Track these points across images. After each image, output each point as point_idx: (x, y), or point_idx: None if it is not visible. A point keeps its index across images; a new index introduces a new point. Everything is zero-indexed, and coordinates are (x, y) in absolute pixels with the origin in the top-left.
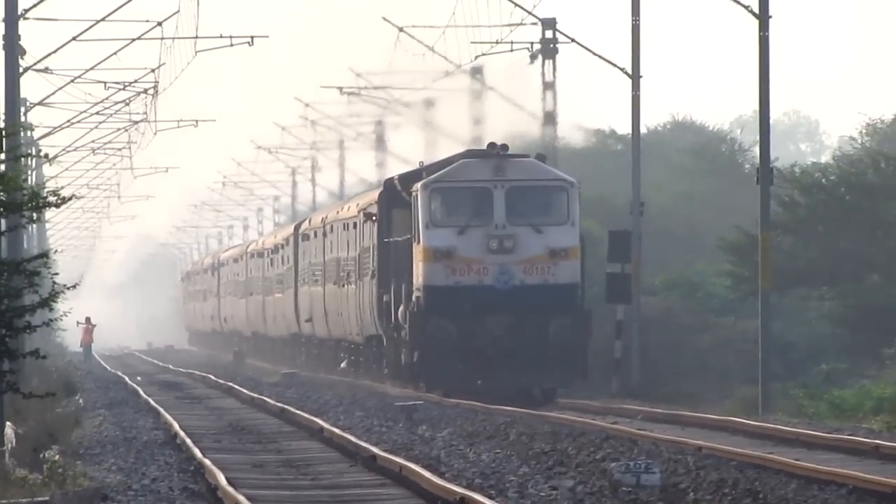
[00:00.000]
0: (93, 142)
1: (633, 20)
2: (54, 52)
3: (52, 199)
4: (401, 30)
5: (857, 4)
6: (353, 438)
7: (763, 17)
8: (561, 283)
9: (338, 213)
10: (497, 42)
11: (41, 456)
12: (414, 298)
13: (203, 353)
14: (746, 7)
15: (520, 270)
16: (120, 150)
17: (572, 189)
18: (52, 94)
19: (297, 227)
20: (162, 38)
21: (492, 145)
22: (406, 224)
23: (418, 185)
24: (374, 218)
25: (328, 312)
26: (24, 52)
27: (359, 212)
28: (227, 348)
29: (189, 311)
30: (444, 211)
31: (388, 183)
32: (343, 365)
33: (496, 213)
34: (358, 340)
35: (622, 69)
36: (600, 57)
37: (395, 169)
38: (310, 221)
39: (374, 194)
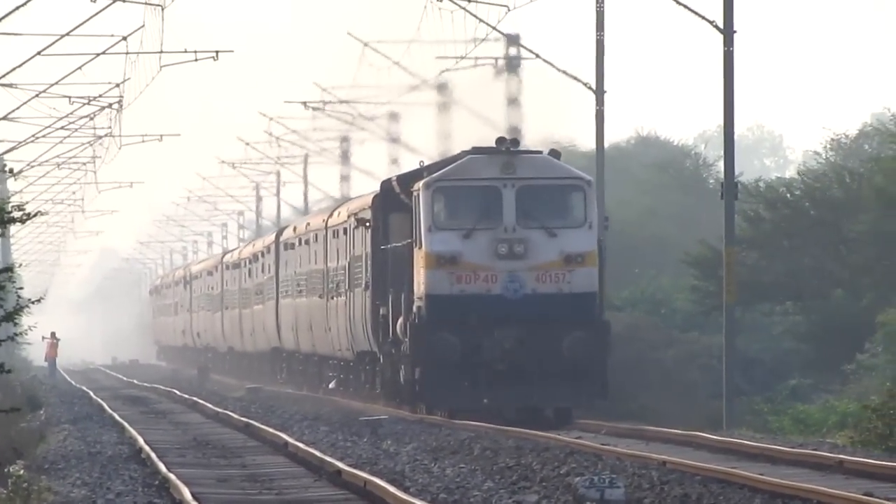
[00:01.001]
0: (57, 156)
1: (597, 35)
2: (19, 66)
3: (17, 214)
4: (365, 45)
5: (820, 20)
6: (317, 453)
7: (727, 33)
8: (577, 292)
9: (325, 220)
10: (462, 57)
11: (6, 471)
12: (415, 309)
13: (168, 367)
14: (711, 22)
15: (532, 278)
16: (84, 164)
17: (589, 188)
18: (17, 108)
19: (278, 236)
20: (127, 53)
21: (500, 140)
22: (405, 229)
23: (419, 184)
24: (367, 223)
25: (314, 326)
26: None
27: (349, 217)
28: (197, 364)
29: (159, 325)
30: (448, 212)
31: (385, 185)
32: (331, 385)
33: (505, 214)
34: (348, 357)
35: (586, 84)
36: (564, 72)
37: (360, 184)
38: (294, 229)
39: (368, 198)
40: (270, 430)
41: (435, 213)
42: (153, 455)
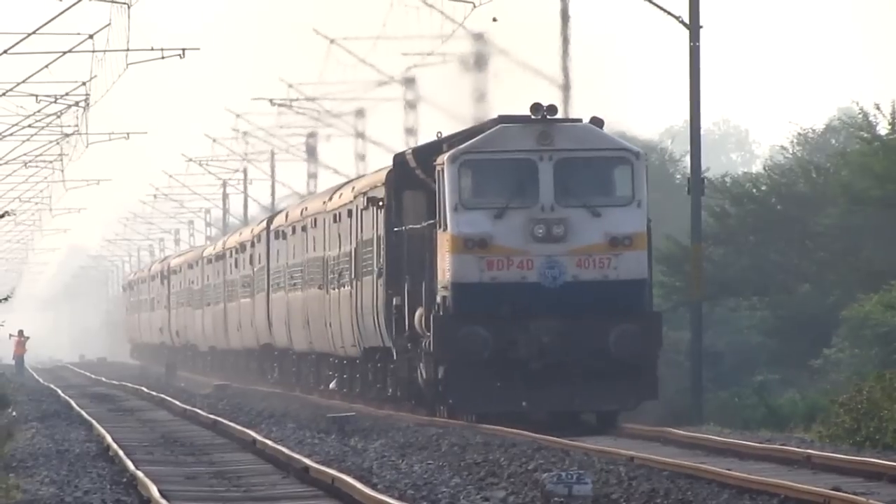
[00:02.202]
0: (24, 155)
1: (562, 31)
2: None
3: None
4: (332, 41)
5: (785, 14)
6: (285, 450)
7: (694, 28)
8: (624, 279)
9: (325, 202)
10: (429, 54)
11: None
12: (438, 299)
13: (136, 365)
14: (677, 17)
15: (572, 263)
16: (51, 162)
17: (638, 161)
18: None
19: (269, 222)
20: (93, 51)
21: (536, 107)
22: (421, 208)
23: (444, 157)
24: (380, 203)
25: (311, 321)
26: None
27: (356, 197)
28: (179, 363)
29: (132, 322)
30: (476, 189)
31: (399, 159)
32: (332, 385)
33: (542, 191)
34: (353, 354)
35: (553, 80)
36: (531, 68)
37: (327, 180)
38: (286, 216)
39: (380, 175)
40: (238, 427)
41: (462, 189)
42: (121, 453)
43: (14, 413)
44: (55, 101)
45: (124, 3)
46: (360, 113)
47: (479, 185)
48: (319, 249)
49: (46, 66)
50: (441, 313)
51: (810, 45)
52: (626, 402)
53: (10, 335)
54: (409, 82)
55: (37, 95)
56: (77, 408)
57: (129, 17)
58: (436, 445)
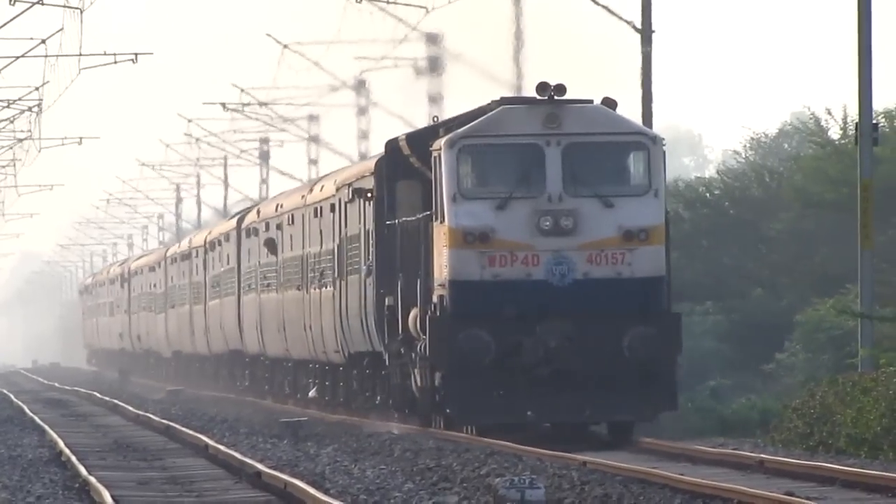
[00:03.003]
0: None
1: (516, 36)
2: None
3: None
4: (285, 46)
5: (738, 19)
6: (238, 455)
7: (646, 33)
8: (640, 277)
9: (303, 197)
10: (382, 58)
11: None
12: (435, 299)
13: (89, 370)
14: (629, 23)
15: (583, 259)
16: (3, 167)
17: (655, 146)
18: None
19: (239, 220)
20: (46, 56)
21: (543, 86)
22: (417, 200)
23: (441, 141)
24: (368, 194)
25: (287, 325)
26: None
27: (339, 189)
28: (141, 370)
29: (90, 327)
30: (477, 177)
31: (391, 145)
32: (311, 393)
33: (550, 179)
34: (336, 360)
35: (507, 83)
36: (485, 72)
37: (279, 185)
38: (258, 212)
39: (368, 164)
40: (191, 432)
41: (461, 178)
42: (73, 458)
43: None
44: (8, 106)
45: (77, 8)
46: (312, 118)
47: (480, 172)
48: (297, 247)
49: None
50: (438, 314)
51: (763, 50)
52: (643, 413)
53: None
54: (361, 87)
55: None
56: (30, 413)
57: (81, 21)
58: (388, 450)
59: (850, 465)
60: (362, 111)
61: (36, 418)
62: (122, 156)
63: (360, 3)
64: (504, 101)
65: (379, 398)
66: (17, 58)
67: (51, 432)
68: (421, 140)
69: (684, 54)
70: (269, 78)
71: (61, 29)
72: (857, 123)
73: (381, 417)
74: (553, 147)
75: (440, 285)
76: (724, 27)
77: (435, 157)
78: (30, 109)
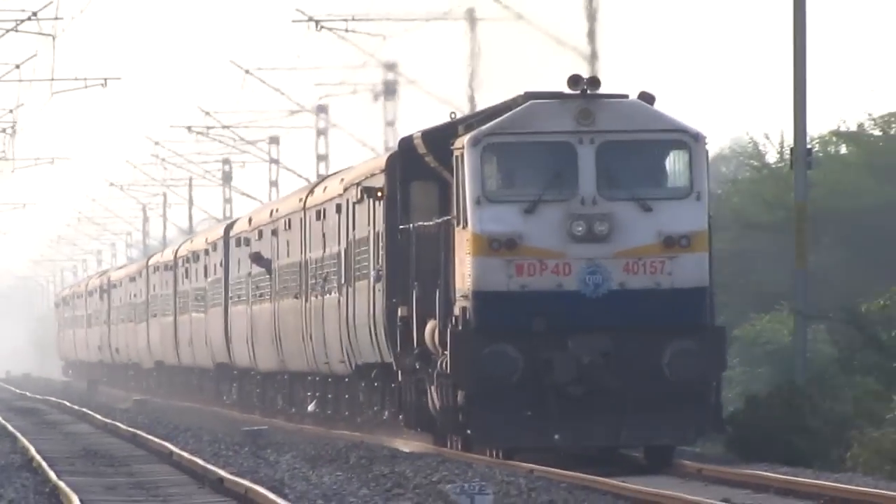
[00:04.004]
0: None
1: (469, 63)
2: None
3: None
4: (247, 72)
5: (678, 44)
6: (201, 462)
7: (592, 57)
8: (681, 287)
9: (301, 200)
10: (341, 83)
11: None
12: (457, 311)
13: (59, 381)
14: (574, 49)
15: (619, 268)
16: None
17: (697, 145)
18: None
19: (227, 230)
20: (20, 81)
21: (575, 79)
22: (433, 203)
23: (464, 139)
24: (379, 194)
25: (283, 336)
26: None
27: (346, 189)
28: (123, 383)
29: (65, 339)
30: (504, 178)
31: (405, 143)
32: (311, 407)
33: (583, 180)
34: (340, 372)
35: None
36: (438, 98)
37: (243, 206)
38: (249, 220)
39: (380, 161)
40: (156, 439)
41: (486, 179)
42: (44, 464)
43: None
44: None
45: (49, 35)
46: (273, 140)
47: (507, 173)
48: (295, 253)
49: None
50: (460, 328)
51: (702, 75)
52: (685, 436)
53: None
54: (321, 111)
55: None
56: (2, 421)
57: (54, 48)
58: (345, 458)
59: (784, 474)
60: (322, 134)
61: (8, 426)
62: (92, 176)
63: (319, 31)
64: (531, 95)
65: (387, 413)
66: None
67: (22, 439)
68: (438, 138)
69: (625, 80)
70: (232, 102)
71: (35, 55)
72: (792, 148)
73: (389, 434)
74: (586, 145)
75: (463, 296)
76: (666, 53)
77: (457, 157)
78: (3, 131)
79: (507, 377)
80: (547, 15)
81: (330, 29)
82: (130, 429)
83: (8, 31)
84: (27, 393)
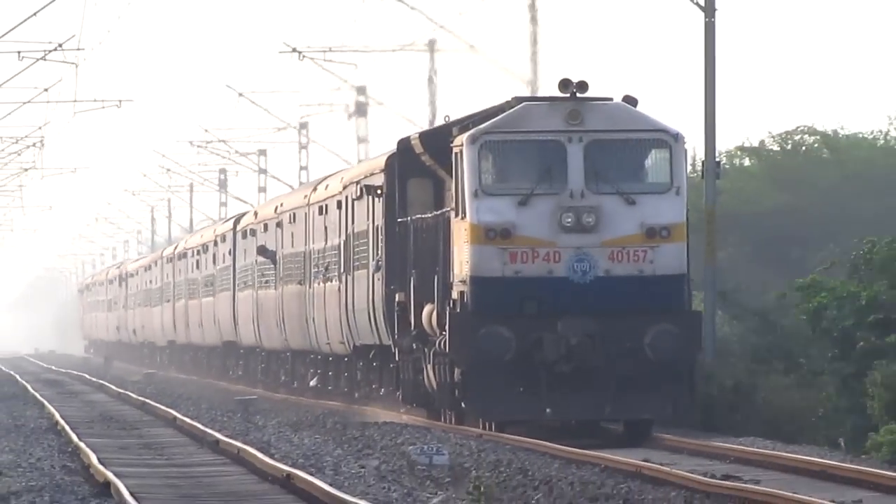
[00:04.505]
0: None
1: (430, 87)
2: None
3: None
4: (240, 94)
5: (603, 59)
6: (200, 426)
7: (533, 85)
8: (662, 274)
9: (306, 196)
10: (319, 104)
11: None
12: (455, 295)
13: (78, 356)
14: (519, 76)
15: (604, 256)
16: (12, 192)
17: (677, 144)
18: None
19: (235, 223)
20: (48, 102)
21: (565, 83)
22: (428, 198)
23: (463, 137)
24: (378, 192)
25: (287, 318)
26: None
27: (346, 187)
28: (137, 359)
29: (88, 321)
30: (499, 173)
31: (403, 144)
32: (313, 382)
33: (571, 176)
34: (339, 351)
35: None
36: (402, 117)
37: (236, 208)
38: (255, 214)
39: (380, 160)
40: (162, 407)
41: (483, 173)
42: (67, 427)
43: None
44: (16, 142)
45: (73, 63)
46: (262, 152)
47: (502, 168)
48: (299, 244)
49: (9, 115)
50: (458, 310)
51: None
52: (664, 411)
53: None
54: (303, 127)
55: (0, 138)
56: (32, 391)
57: (76, 74)
58: (322, 423)
59: (696, 438)
60: (303, 147)
61: (36, 395)
62: (109, 183)
63: (301, 60)
64: (521, 99)
65: (383, 390)
66: (25, 103)
67: (48, 406)
68: (434, 139)
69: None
70: (227, 120)
71: (60, 80)
72: (703, 161)
73: (384, 407)
74: (575, 143)
75: (461, 281)
76: (594, 76)
77: (456, 153)
78: (34, 145)
79: (501, 355)
80: (495, 46)
81: (311, 58)
82: (140, 398)
83: (37, 59)
84: (52, 367)
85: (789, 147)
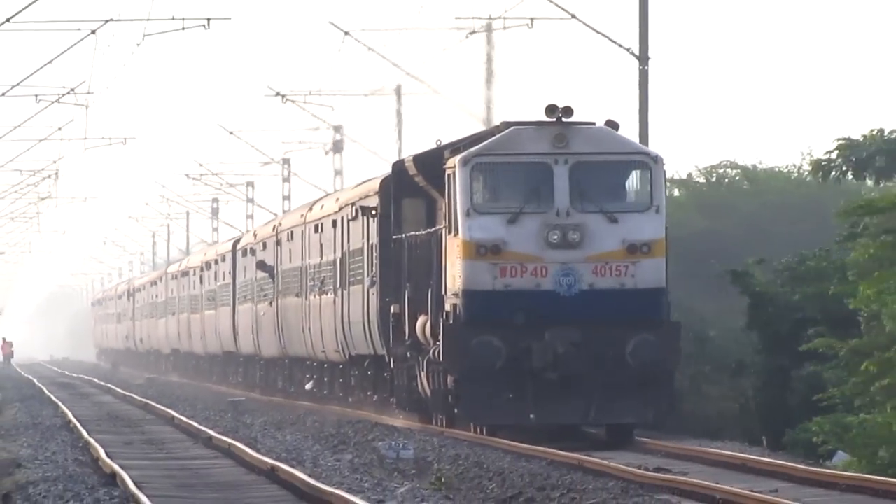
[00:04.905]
0: (11, 213)
1: (397, 126)
2: None
3: None
4: (230, 132)
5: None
6: (195, 424)
7: (487, 123)
8: (642, 288)
9: (303, 216)
10: (300, 142)
11: None
12: (448, 307)
13: (89, 363)
14: (475, 115)
15: (588, 271)
16: (31, 218)
17: (656, 165)
18: None
19: (234, 243)
20: (61, 139)
21: (552, 108)
22: (421, 216)
23: (456, 159)
24: (374, 212)
25: (284, 327)
26: None
27: (342, 208)
28: (143, 366)
29: (99, 332)
30: (490, 193)
31: (398, 166)
32: (309, 386)
33: (557, 195)
34: (335, 359)
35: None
36: (374, 153)
37: (227, 233)
38: (254, 235)
39: (374, 183)
40: (162, 407)
41: (474, 193)
42: (78, 425)
43: (1, 396)
44: (33, 174)
45: (83, 105)
46: (250, 184)
47: (493, 188)
48: (297, 260)
49: (29, 150)
50: (451, 321)
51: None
52: (644, 416)
53: (3, 339)
54: (286, 162)
55: (21, 170)
56: (47, 392)
57: (86, 115)
58: (302, 422)
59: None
60: (286, 180)
61: (52, 396)
62: (115, 210)
63: (285, 102)
64: (508, 124)
65: (376, 396)
66: (41, 140)
67: (62, 406)
68: (426, 161)
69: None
70: (219, 155)
71: (72, 120)
72: None
73: (378, 412)
74: (561, 165)
75: (454, 294)
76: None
77: (449, 174)
78: (49, 176)
79: (492, 364)
80: (454, 89)
81: (293, 101)
82: (143, 399)
83: (52, 102)
84: (66, 372)
85: (714, 179)
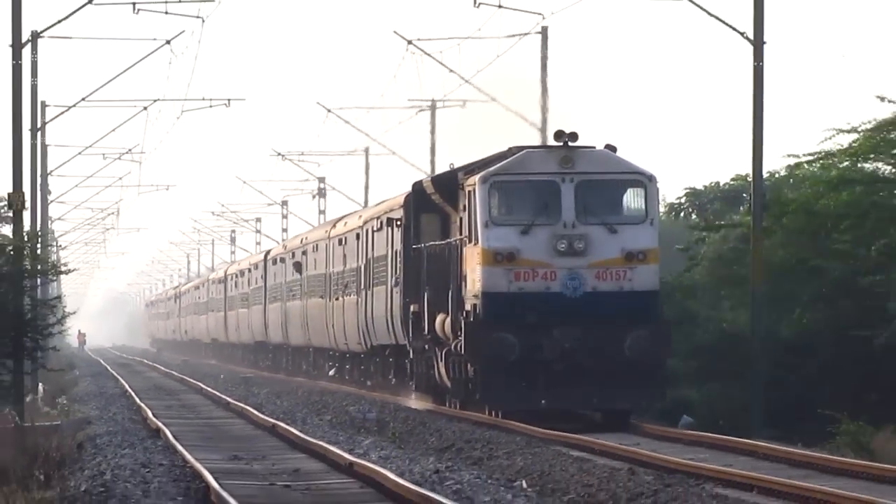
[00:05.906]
0: (83, 241)
1: (366, 179)
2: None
3: (63, 269)
4: (245, 182)
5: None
6: (217, 393)
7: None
8: (639, 290)
9: (327, 231)
10: (295, 189)
11: (57, 401)
12: (468, 307)
13: (139, 348)
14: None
15: (591, 275)
16: (99, 244)
17: (651, 183)
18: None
19: (266, 254)
20: (121, 186)
21: (559, 134)
22: (436, 229)
23: (476, 178)
24: (398, 223)
25: (310, 322)
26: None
27: (367, 221)
28: (184, 352)
29: (153, 326)
30: (506, 207)
31: (418, 186)
32: (331, 372)
33: (564, 209)
34: (356, 350)
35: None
36: (349, 198)
37: (240, 256)
38: (284, 247)
39: (398, 199)
40: (193, 381)
41: (492, 208)
42: (133, 394)
43: (77, 372)
44: (101, 212)
45: (137, 161)
46: (258, 220)
47: (508, 203)
48: (321, 268)
49: (97, 193)
50: (472, 320)
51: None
52: (639, 402)
53: (80, 332)
54: (285, 204)
55: (91, 208)
56: (110, 370)
57: (140, 168)
58: (296, 392)
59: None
60: (284, 216)
61: (113, 372)
62: (159, 238)
63: (283, 161)
64: (522, 147)
65: (395, 380)
66: (106, 187)
67: (120, 379)
68: (442, 182)
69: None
70: (235, 198)
71: (129, 172)
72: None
73: (394, 394)
74: (567, 183)
75: (473, 296)
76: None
77: (469, 191)
78: (112, 213)
79: (507, 356)
80: (410, 152)
81: (290, 159)
82: (180, 375)
83: (115, 159)
84: (123, 355)
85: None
